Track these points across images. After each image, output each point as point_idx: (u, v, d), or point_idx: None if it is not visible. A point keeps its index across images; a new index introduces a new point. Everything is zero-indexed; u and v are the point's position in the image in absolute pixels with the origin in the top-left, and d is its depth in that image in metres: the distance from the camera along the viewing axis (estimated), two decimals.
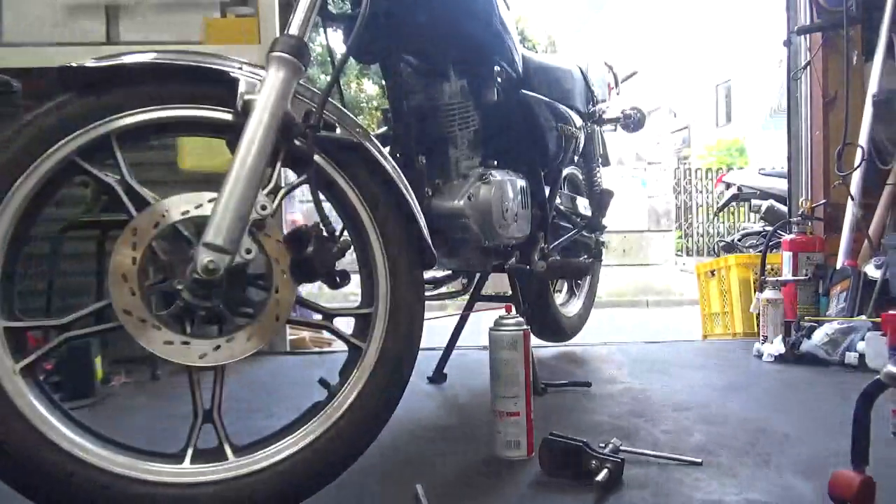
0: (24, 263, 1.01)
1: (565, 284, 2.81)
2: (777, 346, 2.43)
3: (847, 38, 2.98)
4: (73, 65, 0.99)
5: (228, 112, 1.06)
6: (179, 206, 1.02)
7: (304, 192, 1.13)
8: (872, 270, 2.58)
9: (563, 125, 2.09)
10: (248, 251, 1.02)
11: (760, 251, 3.28)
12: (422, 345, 1.19)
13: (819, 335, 2.37)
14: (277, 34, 1.20)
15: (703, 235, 11.18)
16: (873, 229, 2.79)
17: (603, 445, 1.31)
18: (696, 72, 14.50)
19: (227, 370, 1.05)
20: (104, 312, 1.01)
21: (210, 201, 1.01)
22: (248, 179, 1.00)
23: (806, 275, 2.82)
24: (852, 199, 2.85)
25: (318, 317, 1.17)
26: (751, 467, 1.31)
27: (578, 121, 2.21)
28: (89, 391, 2.06)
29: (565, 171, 2.30)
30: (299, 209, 4.62)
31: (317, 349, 3.01)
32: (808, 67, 3.22)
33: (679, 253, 10.35)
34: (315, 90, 1.13)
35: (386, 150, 1.20)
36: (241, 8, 2.82)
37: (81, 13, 2.75)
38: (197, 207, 1.02)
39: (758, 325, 2.78)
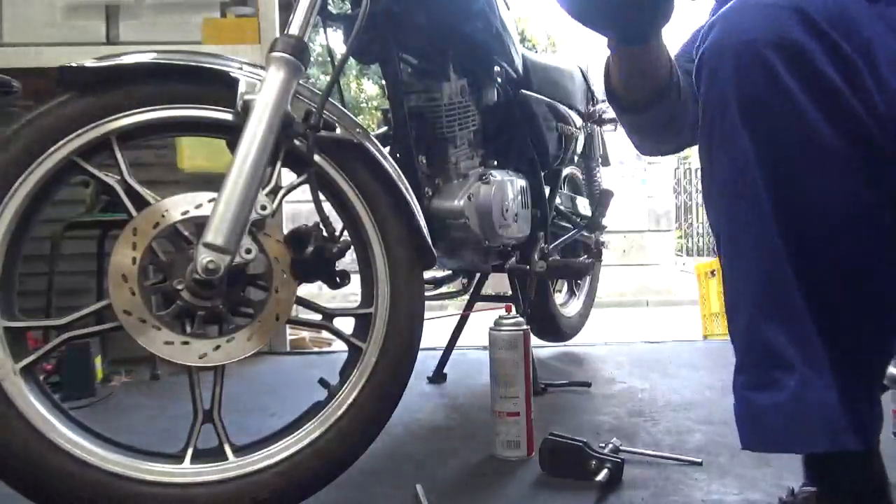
0: (24, 263, 1.01)
1: (565, 284, 2.80)
2: None
3: None
4: (73, 65, 0.99)
5: (228, 112, 1.05)
6: (179, 206, 1.02)
7: (303, 191, 1.13)
8: None
9: (563, 125, 2.09)
10: (248, 251, 1.01)
11: None
12: (422, 345, 1.19)
13: None
14: (277, 34, 1.20)
15: (703, 235, 11.18)
16: None
17: (603, 445, 1.31)
18: None
19: (227, 370, 1.05)
20: (104, 312, 1.01)
21: (210, 201, 1.01)
22: (248, 179, 1.00)
23: None
24: None
25: (318, 317, 1.17)
26: (751, 467, 1.31)
27: (578, 121, 2.21)
28: (89, 391, 2.06)
29: (565, 171, 2.30)
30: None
31: (317, 349, 3.01)
32: None
33: (679, 253, 10.35)
34: (315, 90, 1.13)
35: (386, 150, 1.20)
36: (241, 8, 2.81)
37: (81, 13, 2.75)
38: (197, 207, 1.02)
39: None
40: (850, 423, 0.75)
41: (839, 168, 0.70)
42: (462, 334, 2.18)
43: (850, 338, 0.75)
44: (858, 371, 0.77)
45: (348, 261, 1.10)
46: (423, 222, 1.19)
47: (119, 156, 1.02)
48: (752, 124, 0.71)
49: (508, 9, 1.82)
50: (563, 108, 2.10)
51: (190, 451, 1.02)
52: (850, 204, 0.71)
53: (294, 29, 1.10)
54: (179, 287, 1.00)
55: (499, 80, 1.79)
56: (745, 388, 0.81)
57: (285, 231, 1.08)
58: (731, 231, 0.78)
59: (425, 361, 1.92)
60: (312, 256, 1.06)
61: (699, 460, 1.33)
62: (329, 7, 1.39)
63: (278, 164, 1.08)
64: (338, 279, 1.10)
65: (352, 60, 1.54)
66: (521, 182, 1.88)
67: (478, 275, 2.12)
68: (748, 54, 0.68)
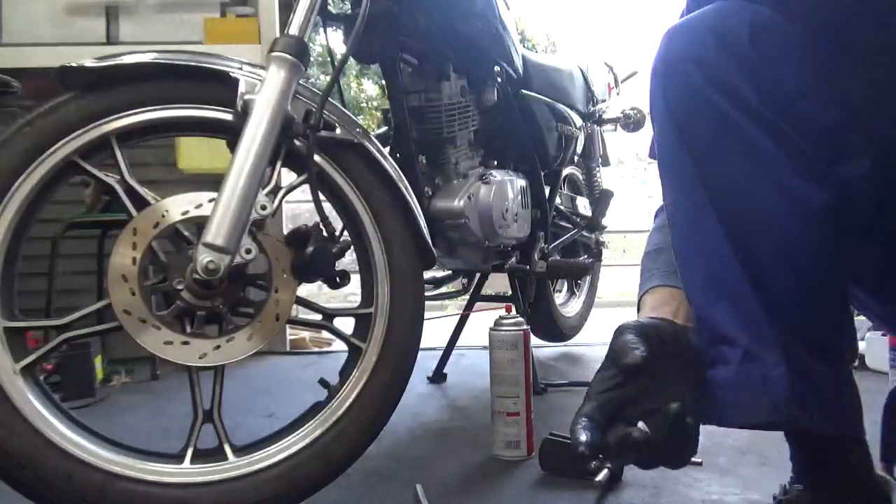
0: (24, 263, 1.01)
1: (565, 284, 2.80)
2: None
3: None
4: (73, 65, 0.99)
5: (228, 112, 1.05)
6: (179, 206, 1.02)
7: (303, 191, 1.13)
8: None
9: (563, 125, 2.09)
10: (248, 251, 1.01)
11: None
12: (422, 345, 1.19)
13: None
14: (277, 34, 1.20)
15: None
16: None
17: None
18: None
19: (227, 370, 1.05)
20: (104, 312, 1.01)
21: (210, 201, 1.01)
22: (248, 179, 1.00)
23: None
24: None
25: (318, 317, 1.17)
26: (751, 467, 1.31)
27: (578, 121, 2.21)
28: (89, 391, 2.06)
29: (565, 171, 2.30)
30: None
31: (317, 349, 3.01)
32: None
33: None
34: (315, 90, 1.13)
35: (386, 150, 1.20)
36: (241, 8, 2.81)
37: (81, 13, 2.75)
38: (197, 207, 1.02)
39: None
40: (811, 403, 0.76)
41: (762, 158, 0.78)
42: (462, 334, 2.18)
43: (797, 316, 0.78)
44: (813, 351, 0.78)
45: (348, 261, 1.10)
46: (423, 222, 1.19)
47: (119, 156, 1.02)
48: (680, 128, 0.82)
49: (508, 9, 1.82)
50: (563, 108, 2.10)
51: (190, 451, 1.02)
52: (777, 189, 0.77)
53: (294, 29, 1.10)
54: (179, 287, 1.00)
55: (499, 80, 1.79)
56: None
57: (285, 231, 1.08)
58: (677, 215, 0.85)
59: (425, 361, 1.92)
60: (312, 256, 1.06)
61: (699, 460, 1.33)
62: (329, 7, 1.39)
63: (278, 164, 1.08)
64: (338, 279, 1.10)
65: (352, 60, 1.54)
66: (521, 182, 1.88)
67: (478, 275, 2.12)
68: (672, 70, 0.82)
